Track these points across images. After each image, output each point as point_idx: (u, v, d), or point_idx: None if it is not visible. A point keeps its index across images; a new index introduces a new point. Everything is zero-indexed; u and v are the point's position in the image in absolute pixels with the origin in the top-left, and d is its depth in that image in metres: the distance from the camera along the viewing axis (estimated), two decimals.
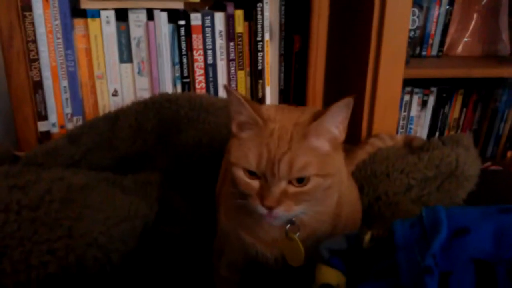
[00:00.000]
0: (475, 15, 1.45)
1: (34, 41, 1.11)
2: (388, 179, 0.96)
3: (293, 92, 1.33)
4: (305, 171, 0.56)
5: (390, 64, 1.15)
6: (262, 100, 1.30)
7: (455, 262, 0.48)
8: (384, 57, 1.14)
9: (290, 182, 0.57)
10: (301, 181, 0.57)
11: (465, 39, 1.47)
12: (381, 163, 1.00)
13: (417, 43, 1.40)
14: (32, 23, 1.10)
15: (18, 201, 0.56)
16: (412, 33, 1.26)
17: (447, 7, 1.38)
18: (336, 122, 0.60)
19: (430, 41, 1.40)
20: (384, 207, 0.91)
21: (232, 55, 1.27)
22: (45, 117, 1.17)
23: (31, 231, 0.54)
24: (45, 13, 1.11)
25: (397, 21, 1.11)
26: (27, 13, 1.09)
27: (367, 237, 0.57)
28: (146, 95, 1.23)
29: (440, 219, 0.53)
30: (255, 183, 0.58)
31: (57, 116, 1.19)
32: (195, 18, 1.21)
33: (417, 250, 0.51)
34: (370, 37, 1.13)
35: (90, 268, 0.56)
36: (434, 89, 1.43)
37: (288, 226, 0.62)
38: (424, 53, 1.41)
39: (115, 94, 1.22)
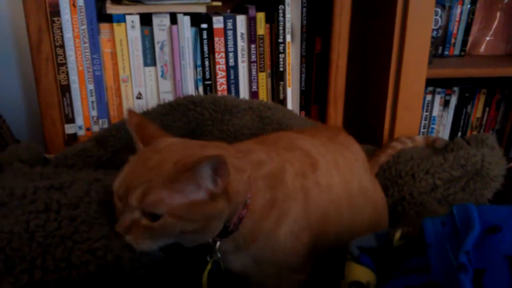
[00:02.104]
0: (498, 14, 1.44)
1: (62, 46, 1.14)
2: (413, 180, 0.96)
3: (314, 93, 1.34)
4: (155, 207, 0.54)
5: (413, 63, 1.14)
6: (283, 102, 1.31)
7: (488, 260, 0.48)
8: (406, 57, 1.13)
9: (145, 215, 0.55)
10: (155, 217, 0.55)
11: (488, 38, 1.46)
12: (406, 164, 1.00)
13: (439, 43, 1.39)
14: (60, 28, 1.13)
15: (58, 201, 0.58)
16: (435, 32, 1.25)
17: (470, 6, 1.37)
18: (207, 177, 0.56)
19: (453, 40, 1.39)
20: (408, 207, 0.90)
21: (253, 57, 1.28)
22: (72, 120, 1.20)
23: (71, 230, 0.55)
24: (73, 18, 1.14)
25: (420, 20, 1.10)
26: (55, 19, 1.12)
27: (397, 235, 0.57)
28: (169, 97, 1.26)
29: (472, 216, 0.53)
30: (120, 206, 0.57)
31: (84, 119, 1.22)
32: (217, 21, 1.23)
33: (448, 248, 0.51)
34: (392, 37, 1.13)
35: (125, 270, 0.57)
36: (456, 88, 1.41)
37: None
38: (446, 52, 1.40)
39: (139, 97, 1.25)
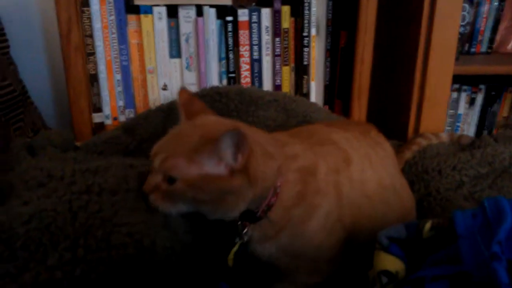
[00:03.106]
0: None
1: (91, 36, 1.17)
2: (440, 176, 0.95)
3: (337, 88, 1.33)
4: (171, 171, 0.59)
5: (440, 59, 1.13)
6: (307, 96, 1.31)
7: None
8: (433, 53, 1.12)
9: (165, 178, 0.60)
10: (171, 181, 0.59)
11: None
12: (432, 160, 0.99)
13: (466, 40, 1.37)
14: (89, 18, 1.15)
15: (99, 184, 0.60)
16: (462, 29, 1.24)
17: (498, 3, 1.35)
18: (227, 152, 0.58)
19: (480, 37, 1.37)
20: (434, 203, 0.90)
21: (277, 51, 1.28)
22: (99, 109, 1.22)
23: (111, 213, 0.57)
24: (102, 9, 1.16)
25: (448, 15, 1.09)
26: (84, 9, 1.14)
27: (427, 226, 0.57)
28: (193, 89, 1.27)
29: (504, 208, 0.52)
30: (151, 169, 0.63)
31: (111, 108, 1.24)
32: (243, 14, 1.23)
33: (480, 239, 0.51)
34: (419, 32, 1.12)
35: (159, 255, 0.58)
36: (482, 86, 1.39)
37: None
38: (473, 49, 1.38)
39: (164, 88, 1.26)
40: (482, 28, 1.36)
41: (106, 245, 0.54)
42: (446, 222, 0.56)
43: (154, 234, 0.58)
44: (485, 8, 1.35)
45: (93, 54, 1.18)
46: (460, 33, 1.22)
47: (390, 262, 0.57)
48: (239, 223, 0.65)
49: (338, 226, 0.69)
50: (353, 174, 0.72)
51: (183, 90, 0.69)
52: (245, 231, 0.65)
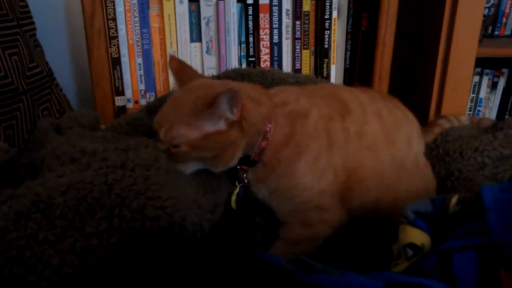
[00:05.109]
0: None
1: (114, 19, 1.18)
2: (461, 157, 0.95)
3: (358, 71, 1.33)
4: (175, 140, 0.65)
5: (463, 41, 1.12)
6: (326, 79, 1.31)
7: None
8: (456, 34, 1.11)
9: (171, 145, 0.66)
10: (175, 146, 0.66)
11: None
12: (454, 142, 0.99)
13: (490, 22, 1.35)
14: (113, 2, 1.17)
15: (132, 160, 0.62)
16: (486, 10, 1.22)
17: None
18: (225, 110, 0.63)
19: (504, 20, 1.35)
20: (457, 183, 0.89)
21: (298, 34, 1.28)
22: (122, 93, 1.24)
23: (145, 187, 0.59)
24: None
25: None
26: None
27: (454, 200, 0.57)
28: (213, 73, 1.28)
29: None
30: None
31: (132, 92, 1.26)
32: None
33: (509, 212, 0.51)
34: (443, 14, 1.11)
35: (188, 230, 0.60)
36: (505, 70, 1.37)
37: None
38: (496, 32, 1.36)
39: None
40: (507, 11, 1.34)
41: (140, 216, 0.55)
42: (474, 196, 0.57)
43: (185, 209, 0.60)
44: None
45: (115, 37, 1.20)
46: (484, 15, 1.21)
47: (416, 236, 0.57)
48: (239, 167, 0.71)
49: (329, 174, 0.71)
50: (348, 125, 0.73)
51: (172, 58, 0.74)
52: (244, 175, 0.71)
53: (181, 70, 0.73)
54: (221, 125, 0.65)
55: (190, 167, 0.69)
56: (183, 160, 0.67)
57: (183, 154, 0.66)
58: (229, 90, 0.61)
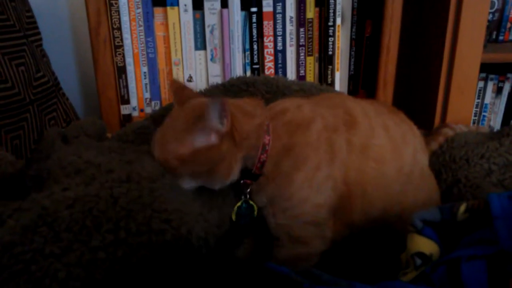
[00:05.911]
0: None
1: (119, 29, 1.19)
2: (468, 164, 0.94)
3: (362, 77, 1.33)
4: (168, 156, 0.65)
5: (468, 46, 1.12)
6: (331, 86, 1.31)
7: None
8: (461, 40, 1.11)
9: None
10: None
11: None
12: (460, 149, 0.98)
13: (494, 27, 1.35)
14: (118, 11, 1.18)
15: (138, 173, 0.62)
16: (491, 16, 1.22)
17: None
18: (215, 121, 0.63)
19: (508, 25, 1.35)
20: (464, 190, 0.89)
21: (302, 41, 1.29)
22: (127, 101, 1.25)
23: (151, 200, 0.59)
24: (129, 1, 1.18)
25: (477, 2, 1.07)
26: (113, 1, 1.17)
27: (462, 208, 0.57)
28: (218, 81, 1.28)
29: None
30: None
31: (138, 100, 1.26)
32: (267, 5, 1.24)
33: None
34: (447, 19, 1.11)
35: (193, 245, 0.60)
36: (510, 75, 1.37)
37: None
38: (501, 37, 1.36)
39: (190, 80, 1.28)
40: (511, 16, 1.34)
41: (146, 229, 0.55)
42: (482, 204, 0.56)
43: (191, 223, 0.60)
44: None
45: (121, 46, 1.21)
46: (488, 21, 1.20)
47: (425, 244, 0.57)
48: (242, 182, 0.70)
49: (328, 186, 0.69)
50: (353, 138, 0.71)
51: (173, 81, 0.77)
52: (248, 189, 0.71)
53: (180, 91, 0.74)
54: (213, 139, 0.64)
55: (187, 183, 0.68)
56: (179, 177, 0.67)
57: (175, 170, 0.65)
58: (214, 100, 0.60)
